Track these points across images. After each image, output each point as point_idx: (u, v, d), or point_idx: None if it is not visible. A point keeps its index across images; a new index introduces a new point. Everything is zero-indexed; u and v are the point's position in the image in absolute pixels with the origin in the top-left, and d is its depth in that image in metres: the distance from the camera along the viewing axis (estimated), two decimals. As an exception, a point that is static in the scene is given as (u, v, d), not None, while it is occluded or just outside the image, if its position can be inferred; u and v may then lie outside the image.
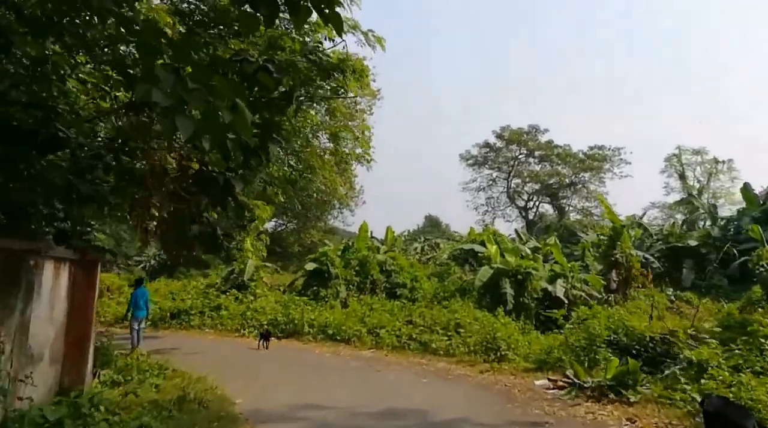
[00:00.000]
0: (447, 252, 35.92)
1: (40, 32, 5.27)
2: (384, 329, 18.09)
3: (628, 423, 9.20)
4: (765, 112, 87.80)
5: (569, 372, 11.89)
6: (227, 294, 23.66)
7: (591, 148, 55.64)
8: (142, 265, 56.36)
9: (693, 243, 31.53)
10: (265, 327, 19.05)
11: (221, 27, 9.18)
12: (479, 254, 27.64)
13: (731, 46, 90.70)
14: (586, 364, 13.05)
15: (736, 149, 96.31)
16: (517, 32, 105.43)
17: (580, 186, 58.61)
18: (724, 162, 51.04)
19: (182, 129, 3.21)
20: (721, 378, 9.84)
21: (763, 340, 11.43)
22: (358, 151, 22.23)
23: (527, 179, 58.87)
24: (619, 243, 28.25)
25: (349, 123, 25.98)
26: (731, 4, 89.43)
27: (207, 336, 19.88)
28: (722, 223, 33.16)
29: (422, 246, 43.74)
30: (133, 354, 13.00)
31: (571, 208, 59.72)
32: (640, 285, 29.37)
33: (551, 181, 57.91)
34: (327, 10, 3.68)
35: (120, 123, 6.76)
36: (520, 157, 58.11)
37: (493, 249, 24.37)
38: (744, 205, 31.98)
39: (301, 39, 10.24)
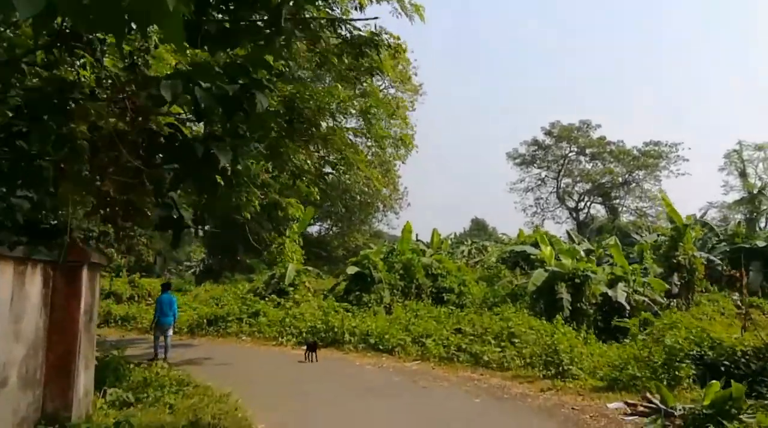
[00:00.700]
0: (495, 255, 33.95)
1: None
2: (430, 338, 16.33)
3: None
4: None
5: (652, 395, 9.90)
6: (266, 299, 22.30)
7: (646, 144, 52.49)
8: (192, 270, 56.26)
9: (761, 243, 28.78)
10: (310, 336, 17.55)
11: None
12: (531, 256, 25.61)
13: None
14: (664, 382, 11.09)
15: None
16: (571, 25, 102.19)
17: (633, 185, 55.58)
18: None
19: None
20: None
21: None
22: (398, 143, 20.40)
23: (578, 178, 56.09)
24: (681, 244, 25.87)
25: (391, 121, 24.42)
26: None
27: (243, 345, 18.51)
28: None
29: (469, 249, 41.98)
30: (154, 368, 11.63)
31: (624, 209, 56.70)
32: (703, 290, 26.91)
33: (603, 180, 55.01)
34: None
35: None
36: (570, 154, 55.42)
37: (547, 250, 22.33)
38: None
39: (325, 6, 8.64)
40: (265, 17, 3.64)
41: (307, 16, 8.86)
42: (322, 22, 6.92)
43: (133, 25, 2.21)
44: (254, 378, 12.71)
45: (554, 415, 9.71)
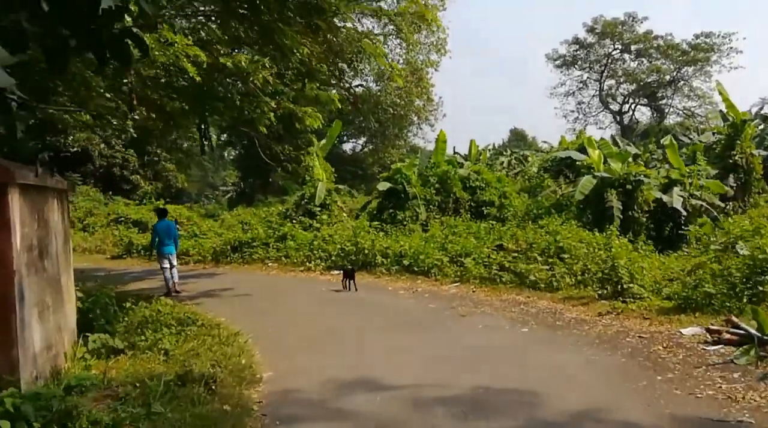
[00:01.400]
0: (537, 164, 31.59)
1: None
2: (469, 257, 14.54)
3: None
4: None
5: (739, 319, 7.96)
6: (295, 222, 20.73)
7: (696, 37, 47.61)
8: (229, 195, 55.48)
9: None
10: (344, 261, 16.06)
11: None
12: (577, 163, 23.16)
13: None
14: (744, 300, 9.14)
15: None
16: None
17: (682, 83, 51.27)
18: None
19: None
20: None
21: None
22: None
23: (622, 79, 51.89)
24: (738, 142, 23.10)
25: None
26: None
27: (269, 272, 17.12)
28: None
29: (509, 160, 39.65)
30: (155, 305, 10.21)
31: (671, 110, 52.62)
32: (760, 191, 24.33)
33: (649, 80, 50.79)
34: None
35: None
36: (614, 53, 50.98)
37: (595, 154, 19.93)
38: None
39: None
40: None
41: None
42: None
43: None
44: (273, 311, 11.27)
45: (618, 346, 7.89)
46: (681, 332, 8.38)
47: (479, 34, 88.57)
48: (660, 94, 51.53)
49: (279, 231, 19.59)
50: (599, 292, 10.98)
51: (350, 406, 6.04)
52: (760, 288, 9.24)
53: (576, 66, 52.27)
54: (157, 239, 13.61)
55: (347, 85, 41.80)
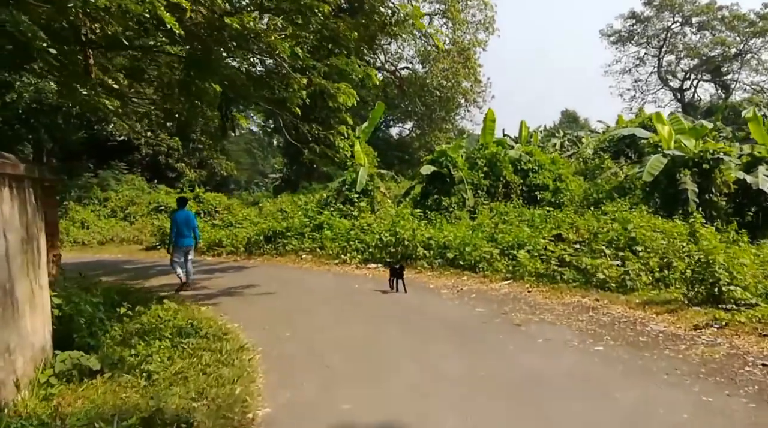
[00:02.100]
0: (592, 145, 28.84)
1: None
2: (523, 249, 12.42)
3: None
4: None
5: None
6: (332, 209, 18.94)
7: (766, 5, 43.20)
8: (277, 183, 54.40)
9: None
10: (390, 257, 14.07)
11: None
12: (642, 141, 20.49)
13: None
14: None
15: None
16: None
17: (749, 56, 46.82)
18: None
19: None
20: None
21: None
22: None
23: (683, 53, 47.79)
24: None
25: None
26: None
27: (301, 265, 15.36)
28: None
29: (561, 141, 36.97)
30: (154, 310, 8.58)
31: (737, 85, 48.26)
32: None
33: (713, 53, 46.61)
34: None
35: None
36: (673, 26, 46.93)
37: (665, 130, 17.26)
38: None
39: None
40: None
41: None
42: None
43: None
44: (295, 316, 9.44)
45: (737, 380, 5.69)
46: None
47: (528, 12, 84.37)
48: (725, 69, 47.31)
49: (315, 220, 17.85)
50: (688, 296, 8.72)
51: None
52: None
53: (632, 41, 48.48)
54: (175, 230, 12.10)
55: (392, 68, 39.99)
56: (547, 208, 16.69)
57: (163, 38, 9.08)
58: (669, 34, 47.14)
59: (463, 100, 39.66)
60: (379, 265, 14.11)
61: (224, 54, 11.24)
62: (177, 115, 15.53)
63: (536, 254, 12.15)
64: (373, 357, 7.04)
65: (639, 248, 10.85)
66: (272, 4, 9.29)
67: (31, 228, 6.72)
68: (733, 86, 47.99)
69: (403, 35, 38.94)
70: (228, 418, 5.18)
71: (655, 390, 5.54)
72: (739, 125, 30.32)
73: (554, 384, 5.81)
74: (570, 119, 61.41)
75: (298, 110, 12.85)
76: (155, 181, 32.03)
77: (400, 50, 40.24)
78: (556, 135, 40.47)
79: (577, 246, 11.91)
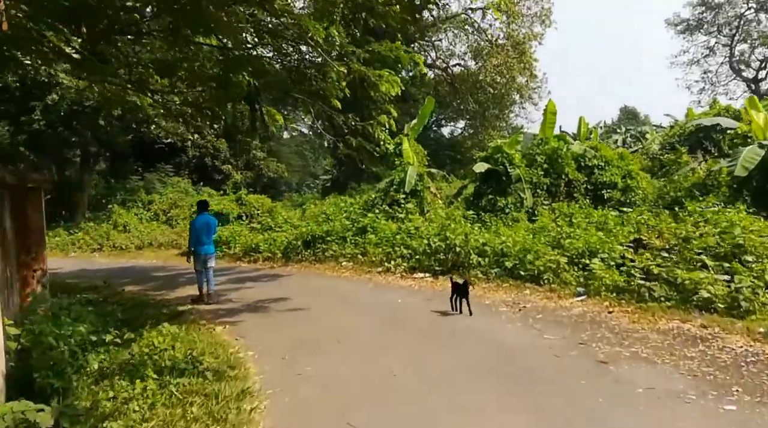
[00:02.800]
0: (657, 141, 26.06)
1: None
2: (596, 257, 10.29)
3: None
4: None
5: None
6: (378, 211, 17.16)
7: None
8: (327, 184, 53.15)
9: None
10: (455, 272, 11.67)
11: None
12: (728, 131, 17.80)
13: None
14: None
15: None
16: None
17: (833, 42, 42.20)
18: None
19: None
20: None
21: None
22: None
23: (757, 42, 43.52)
24: None
25: None
26: None
27: (341, 273, 13.60)
28: None
29: (623, 137, 34.13)
30: (148, 336, 6.98)
31: (819, 74, 43.72)
32: None
33: (792, 41, 42.23)
34: None
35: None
36: (747, 13, 42.75)
37: (760, 118, 14.64)
38: None
39: None
40: None
41: None
42: None
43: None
44: (323, 341, 7.61)
45: None
46: None
47: (586, 3, 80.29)
48: (804, 57, 42.90)
49: (359, 223, 16.11)
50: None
51: None
52: None
53: (701, 30, 44.53)
54: (195, 236, 10.60)
55: (444, 65, 37.94)
56: (620, 209, 14.38)
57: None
58: (742, 22, 43.05)
59: (517, 97, 37.23)
60: (427, 275, 12.24)
61: (256, 40, 9.77)
62: (207, 110, 14.18)
63: (612, 263, 10.00)
64: (411, 414, 5.15)
65: (749, 258, 8.57)
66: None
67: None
68: (813, 75, 43.49)
69: (454, 30, 37.07)
70: None
71: None
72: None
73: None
74: (630, 115, 57.88)
75: (338, 103, 11.24)
76: (201, 184, 31.17)
77: (451, 47, 38.23)
78: (618, 131, 37.55)
79: (665, 254, 9.68)
